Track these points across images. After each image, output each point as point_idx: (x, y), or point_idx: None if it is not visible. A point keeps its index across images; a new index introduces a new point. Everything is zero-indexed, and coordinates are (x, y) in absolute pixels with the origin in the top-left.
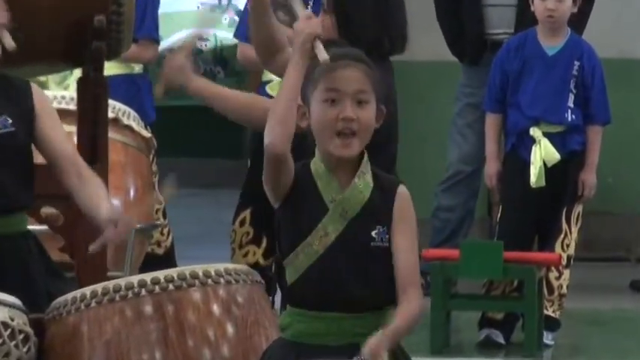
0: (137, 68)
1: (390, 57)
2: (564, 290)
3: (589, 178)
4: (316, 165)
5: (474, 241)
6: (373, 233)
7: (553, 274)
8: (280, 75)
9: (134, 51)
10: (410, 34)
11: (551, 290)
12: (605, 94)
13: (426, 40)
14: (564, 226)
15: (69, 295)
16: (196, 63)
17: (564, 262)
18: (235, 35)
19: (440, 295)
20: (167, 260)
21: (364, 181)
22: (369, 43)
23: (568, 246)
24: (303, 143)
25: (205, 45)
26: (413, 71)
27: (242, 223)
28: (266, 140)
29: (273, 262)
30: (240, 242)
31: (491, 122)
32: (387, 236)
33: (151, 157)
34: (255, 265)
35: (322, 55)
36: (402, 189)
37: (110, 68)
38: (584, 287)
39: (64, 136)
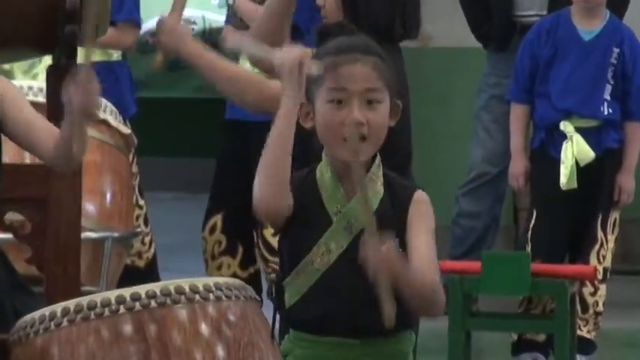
0: (115, 55)
1: (400, 43)
2: (600, 308)
3: (627, 181)
4: (322, 171)
5: (497, 252)
6: (382, 249)
7: (587, 290)
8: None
9: (112, 35)
10: (425, 17)
11: (585, 308)
12: None
13: (444, 24)
14: (599, 234)
15: (37, 313)
16: None
17: (600, 275)
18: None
19: (459, 314)
20: (149, 273)
21: (373, 189)
22: (379, 27)
23: (604, 257)
24: (308, 146)
25: (193, 28)
26: (429, 59)
27: (212, 231)
28: (255, 196)
29: (271, 284)
30: (212, 252)
31: (518, 114)
32: (399, 249)
33: (131, 156)
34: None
35: (314, 68)
36: (418, 194)
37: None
38: (622, 304)
39: (35, 115)
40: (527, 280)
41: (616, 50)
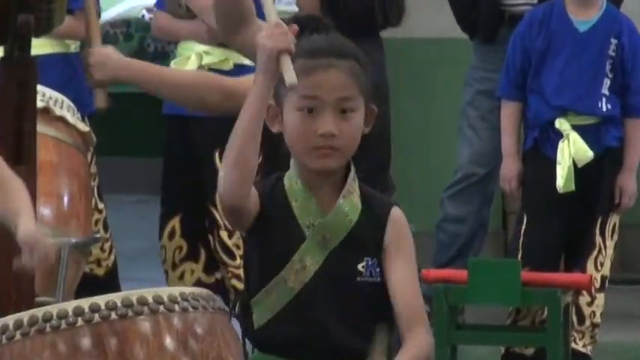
0: (73, 46)
1: (380, 32)
2: (597, 319)
3: (628, 183)
4: (291, 181)
5: (485, 259)
6: (360, 266)
7: (584, 300)
8: (245, 55)
9: (69, 25)
10: (408, 5)
11: (581, 319)
12: None
13: (427, 13)
14: (598, 240)
15: None
16: (144, 42)
17: (597, 284)
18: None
19: (444, 326)
20: (109, 283)
21: (351, 203)
22: (358, 16)
23: (602, 265)
24: (275, 152)
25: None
26: (411, 51)
27: (171, 236)
28: (219, 189)
29: (236, 300)
30: (172, 261)
31: (509, 112)
32: (378, 270)
33: (90, 155)
34: (197, 285)
35: (290, 76)
36: (395, 212)
37: (39, 46)
38: (621, 316)
39: None
40: (517, 290)
41: (614, 42)
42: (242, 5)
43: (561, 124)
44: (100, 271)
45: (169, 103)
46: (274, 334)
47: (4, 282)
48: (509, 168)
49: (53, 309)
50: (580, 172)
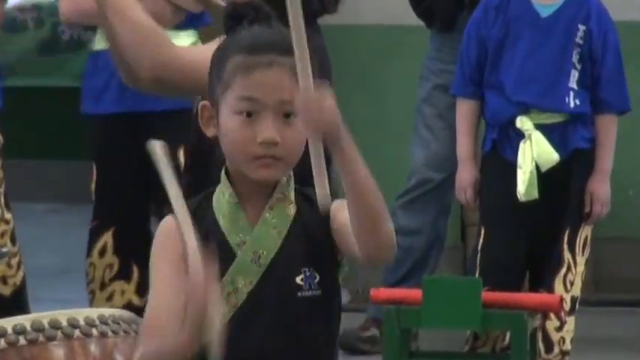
0: None
1: (317, 19)
2: (567, 346)
3: (600, 188)
4: (220, 194)
5: (442, 278)
6: (298, 279)
7: (552, 324)
8: None
9: None
10: None
11: (549, 346)
12: (622, 72)
13: None
14: (566, 255)
15: None
16: (57, 28)
17: (567, 306)
18: None
19: (395, 352)
20: (16, 303)
21: (280, 212)
22: None
23: (572, 284)
24: (208, 159)
25: None
26: (358, 40)
27: (102, 253)
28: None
29: None
30: (101, 280)
31: (464, 111)
32: (317, 279)
33: None
34: (127, 308)
35: (322, 196)
36: (337, 202)
37: None
38: (595, 342)
39: None
40: (477, 312)
41: (582, 28)
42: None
43: (523, 122)
44: (5, 290)
45: (111, 101)
46: None
47: None
48: (464, 175)
49: None
50: (544, 178)
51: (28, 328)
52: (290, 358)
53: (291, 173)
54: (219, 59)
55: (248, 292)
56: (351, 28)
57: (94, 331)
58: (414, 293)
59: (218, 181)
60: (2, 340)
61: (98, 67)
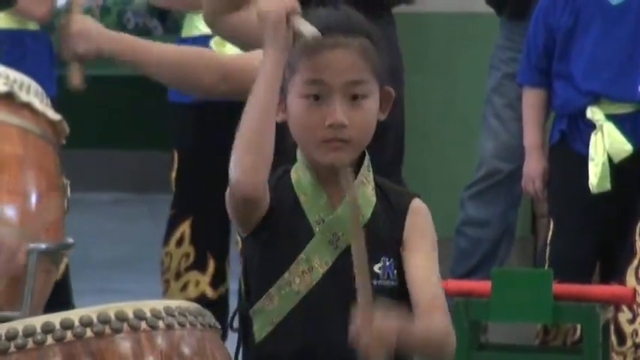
0: (32, 24)
1: (392, 9)
2: None
3: None
4: (299, 173)
5: (512, 270)
6: (376, 267)
7: (624, 316)
8: (234, 41)
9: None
10: None
11: (622, 339)
12: None
13: None
14: (639, 246)
15: None
16: (123, 16)
17: None
18: None
19: (464, 345)
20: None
21: (364, 195)
22: None
23: None
24: (280, 143)
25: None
26: (427, 28)
27: (179, 243)
28: (232, 176)
29: (235, 312)
30: (177, 270)
31: (532, 101)
32: (395, 271)
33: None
34: (200, 300)
35: (307, 29)
36: (416, 203)
37: None
38: None
39: None
40: (548, 305)
41: None
42: None
43: (594, 113)
44: None
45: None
46: (276, 347)
47: None
48: (533, 166)
49: (18, 325)
50: (616, 169)
51: (95, 320)
52: (353, 351)
53: (369, 159)
54: None
55: (323, 272)
56: (419, 16)
57: (161, 323)
58: (484, 285)
59: (292, 161)
60: (69, 332)
61: None
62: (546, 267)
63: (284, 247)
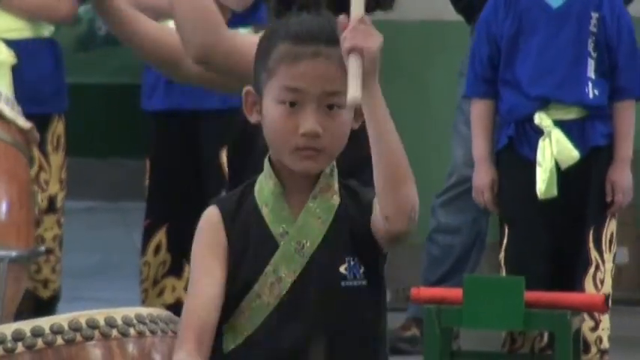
0: (47, 31)
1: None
2: (605, 344)
3: (621, 177)
4: (262, 184)
5: (483, 277)
6: (342, 269)
7: (587, 325)
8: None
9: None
10: None
11: (586, 347)
12: (638, 56)
13: None
14: (593, 254)
15: None
16: (94, 24)
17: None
18: None
19: (436, 352)
20: (51, 308)
21: (323, 201)
22: None
23: (602, 282)
24: (251, 144)
25: None
26: (399, 36)
27: (156, 251)
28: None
29: None
30: (154, 277)
31: (479, 112)
32: (362, 270)
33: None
34: (177, 305)
35: (354, 89)
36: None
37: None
38: (628, 340)
39: None
40: (520, 312)
41: (594, 15)
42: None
43: (542, 119)
44: (45, 294)
45: (160, 97)
46: (246, 358)
47: None
48: (481, 176)
49: None
50: (564, 176)
51: (66, 327)
52: (336, 348)
53: (334, 164)
54: (265, 46)
55: (292, 281)
56: (393, 24)
57: (132, 331)
58: (455, 292)
59: (259, 170)
60: (39, 339)
61: None
62: (503, 274)
63: (251, 262)
